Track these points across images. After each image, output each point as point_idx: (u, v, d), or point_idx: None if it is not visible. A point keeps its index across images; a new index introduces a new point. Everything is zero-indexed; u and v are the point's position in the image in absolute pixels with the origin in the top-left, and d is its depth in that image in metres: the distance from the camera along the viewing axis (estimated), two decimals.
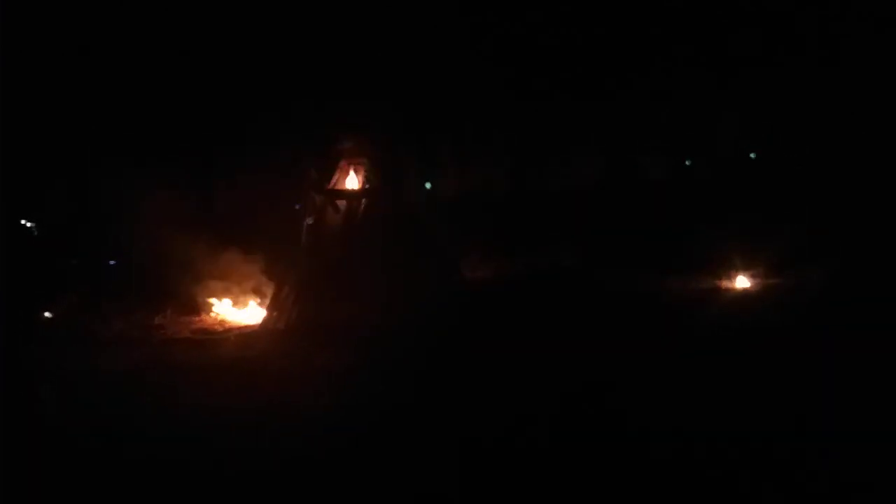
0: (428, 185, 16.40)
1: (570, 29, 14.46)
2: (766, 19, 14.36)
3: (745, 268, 11.41)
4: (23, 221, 12.32)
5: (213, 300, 10.65)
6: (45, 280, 11.21)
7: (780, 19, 14.31)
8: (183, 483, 5.14)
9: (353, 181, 10.77)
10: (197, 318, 10.53)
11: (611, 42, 14.85)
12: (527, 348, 8.00)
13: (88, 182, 11.81)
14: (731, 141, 16.88)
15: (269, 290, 10.44)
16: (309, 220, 10.47)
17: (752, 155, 16.81)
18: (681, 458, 5.10)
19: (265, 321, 10.01)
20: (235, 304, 10.77)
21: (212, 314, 10.66)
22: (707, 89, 15.44)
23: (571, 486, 4.86)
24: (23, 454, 5.60)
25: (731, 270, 11.43)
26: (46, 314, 10.55)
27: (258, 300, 10.73)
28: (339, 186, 10.73)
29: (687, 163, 17.26)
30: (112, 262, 12.21)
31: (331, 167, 10.78)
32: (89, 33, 11.45)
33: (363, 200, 10.52)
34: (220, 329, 10.12)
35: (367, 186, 10.60)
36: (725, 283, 11.30)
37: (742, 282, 11.26)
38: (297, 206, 10.64)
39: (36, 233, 12.47)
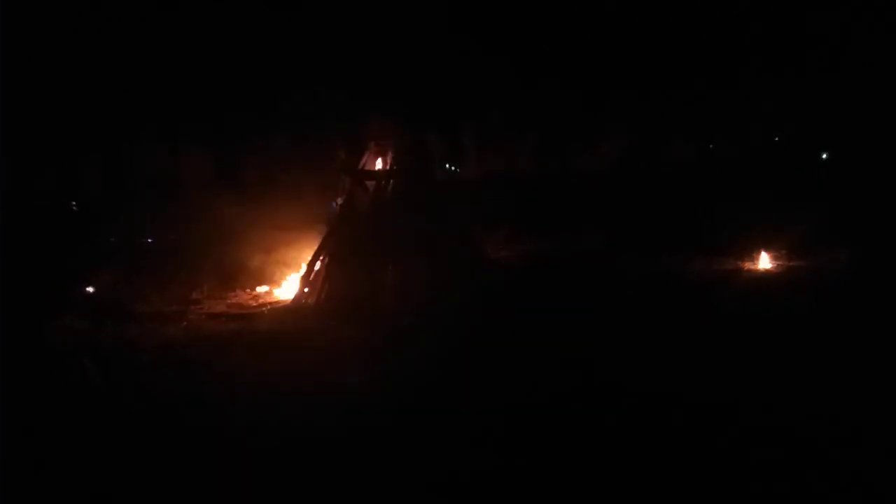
0: (453, 167, 16.60)
1: (596, 14, 14.46)
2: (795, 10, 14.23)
3: (768, 250, 11.44)
4: (65, 200, 12.74)
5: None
6: (85, 256, 11.61)
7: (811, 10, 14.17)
8: (213, 451, 5.28)
9: (380, 163, 11.03)
10: (232, 294, 10.88)
11: (636, 27, 14.81)
12: (549, 327, 8.14)
13: (127, 162, 12.17)
14: (755, 124, 16.79)
15: (301, 268, 10.71)
16: (339, 200, 10.76)
17: (776, 138, 16.75)
18: (699, 436, 5.18)
19: (297, 297, 10.32)
20: (273, 281, 11.09)
21: (247, 290, 11.00)
22: (732, 73, 15.36)
23: (593, 462, 4.95)
24: (61, 422, 5.87)
25: (753, 252, 11.46)
26: (88, 289, 10.95)
27: (295, 276, 10.99)
28: (367, 167, 10.99)
29: (711, 145, 17.25)
30: (150, 240, 12.58)
31: (360, 149, 11.06)
32: (126, 17, 11.75)
33: (390, 181, 10.75)
34: (255, 304, 10.45)
35: (394, 168, 10.83)
36: (748, 265, 11.34)
37: (765, 263, 11.30)
38: (333, 199, 10.91)
39: (77, 211, 12.86)
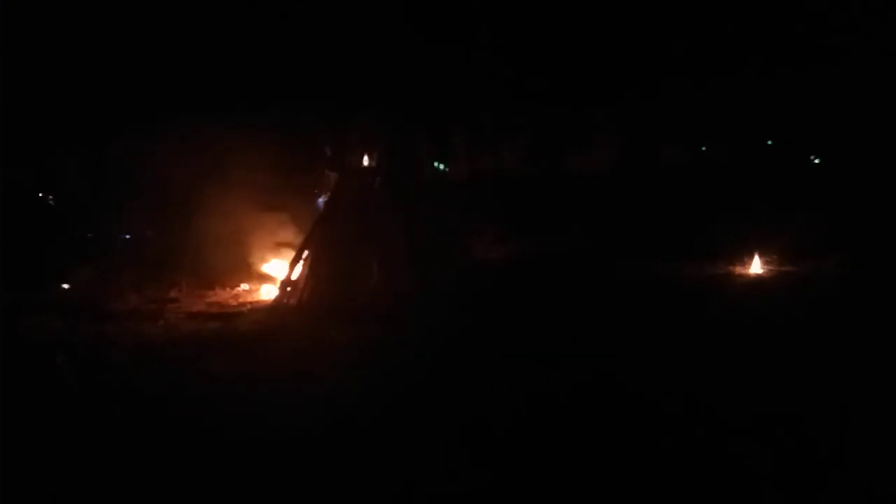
0: (441, 166, 16.44)
1: (589, 16, 14.37)
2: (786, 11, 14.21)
3: (760, 254, 11.38)
4: (41, 195, 12.49)
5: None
6: (62, 253, 11.36)
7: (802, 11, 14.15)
8: (191, 452, 5.13)
9: (366, 160, 10.84)
10: (211, 293, 10.64)
11: (629, 30, 14.74)
12: (538, 330, 8.00)
13: (106, 157, 11.93)
14: (748, 128, 16.75)
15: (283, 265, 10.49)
16: (323, 198, 10.54)
17: (769, 142, 16.73)
18: (688, 443, 5.01)
19: (278, 296, 10.09)
20: (254, 279, 10.87)
21: (227, 289, 10.77)
22: (725, 77, 15.31)
23: (582, 471, 4.75)
24: (37, 423, 5.66)
25: (745, 257, 11.40)
26: (64, 286, 10.69)
27: (277, 273, 10.76)
28: (353, 165, 10.81)
29: (703, 149, 17.21)
30: (127, 237, 12.35)
31: (345, 146, 10.87)
32: (111, 12, 11.53)
33: (376, 179, 10.56)
34: (235, 303, 10.22)
35: (381, 165, 10.65)
36: (739, 269, 11.28)
37: (756, 268, 11.24)
38: (318, 196, 10.73)
39: (53, 206, 12.62)
